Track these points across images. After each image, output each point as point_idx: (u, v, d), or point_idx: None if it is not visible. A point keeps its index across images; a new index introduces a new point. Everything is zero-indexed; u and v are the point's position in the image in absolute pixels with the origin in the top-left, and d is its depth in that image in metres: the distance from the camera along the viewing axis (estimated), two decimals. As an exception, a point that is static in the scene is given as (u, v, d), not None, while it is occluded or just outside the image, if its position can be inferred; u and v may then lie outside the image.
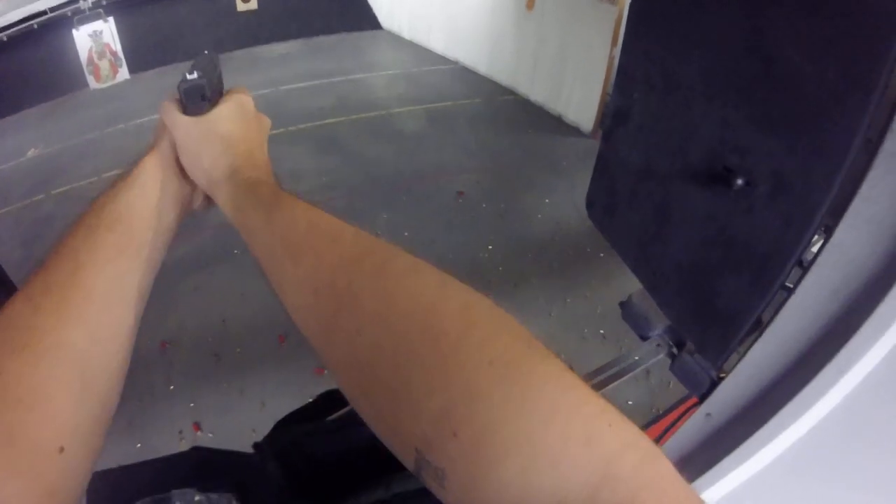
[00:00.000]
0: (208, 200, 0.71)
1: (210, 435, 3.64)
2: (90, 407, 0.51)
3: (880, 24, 0.74)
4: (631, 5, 1.36)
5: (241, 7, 14.04)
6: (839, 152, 0.78)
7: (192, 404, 3.89)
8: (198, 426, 3.72)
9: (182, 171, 0.67)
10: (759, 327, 1.05)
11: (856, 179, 0.79)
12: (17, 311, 0.49)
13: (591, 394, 0.36)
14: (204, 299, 4.95)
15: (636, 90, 1.34)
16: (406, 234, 5.78)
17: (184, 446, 3.72)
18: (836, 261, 0.82)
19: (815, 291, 0.87)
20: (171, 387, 4.08)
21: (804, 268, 0.91)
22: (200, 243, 5.87)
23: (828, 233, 0.86)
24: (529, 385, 0.35)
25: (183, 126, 0.65)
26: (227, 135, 0.66)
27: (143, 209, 0.61)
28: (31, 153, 9.72)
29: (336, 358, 0.46)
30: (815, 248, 0.93)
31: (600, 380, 1.86)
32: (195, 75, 0.65)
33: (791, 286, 0.95)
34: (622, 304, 1.87)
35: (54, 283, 0.52)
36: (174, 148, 0.66)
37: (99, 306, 0.54)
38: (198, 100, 0.66)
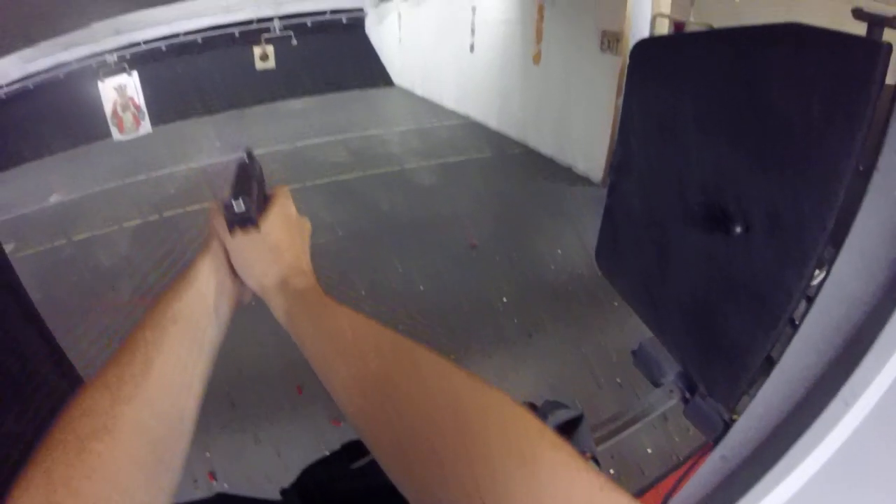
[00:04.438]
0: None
1: (225, 485, 3.60)
2: (161, 482, 0.57)
3: (860, 63, 0.79)
4: (628, 66, 1.42)
5: (259, 66, 14.56)
6: (831, 190, 0.82)
7: (207, 453, 3.85)
8: (212, 475, 3.69)
9: (234, 272, 0.73)
10: (770, 367, 1.07)
11: (852, 214, 0.82)
12: (96, 399, 0.56)
13: (594, 474, 0.43)
14: (221, 349, 4.89)
15: (636, 142, 1.40)
16: (421, 287, 5.81)
17: (198, 495, 3.68)
18: (836, 295, 0.85)
19: (819, 327, 0.89)
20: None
21: (810, 301, 0.94)
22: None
23: (828, 267, 0.88)
24: (542, 470, 0.43)
25: (234, 241, 0.72)
26: (275, 246, 0.73)
27: (202, 308, 0.69)
28: (53, 198, 9.99)
29: (380, 441, 0.54)
30: (817, 282, 0.96)
31: (615, 427, 1.86)
32: (241, 203, 0.69)
33: (797, 322, 0.97)
34: (634, 353, 1.88)
35: (129, 374, 0.59)
36: (226, 252, 0.73)
37: (168, 394, 0.61)
38: (246, 224, 0.71)
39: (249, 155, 0.80)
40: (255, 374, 4.55)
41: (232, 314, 0.75)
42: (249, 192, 0.71)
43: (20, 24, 5.22)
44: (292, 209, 0.79)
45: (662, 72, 1.24)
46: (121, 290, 6.42)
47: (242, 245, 0.71)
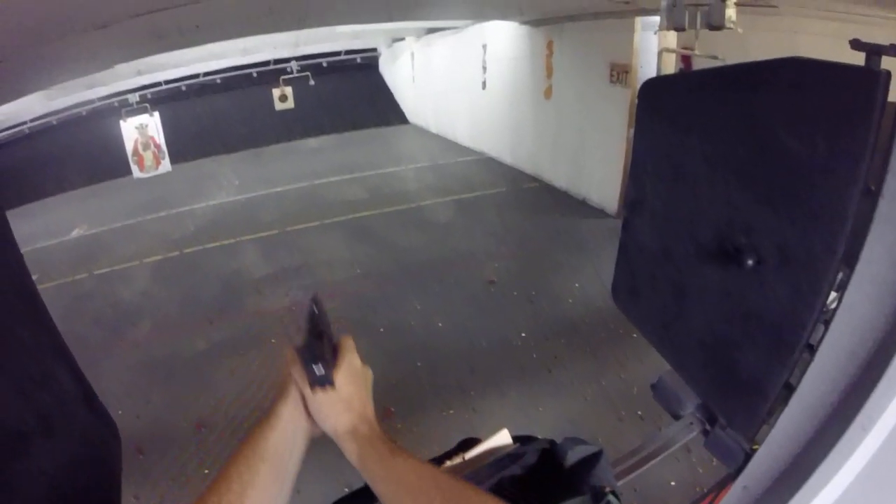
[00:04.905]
0: None
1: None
2: None
3: (860, 92, 0.82)
4: (637, 106, 1.47)
5: (279, 106, 14.91)
6: (838, 220, 0.84)
7: (226, 490, 3.83)
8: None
9: (309, 415, 0.86)
10: (789, 394, 1.07)
11: (865, 235, 0.84)
12: None
13: None
14: (240, 384, 4.98)
15: (648, 181, 1.43)
16: (440, 324, 5.82)
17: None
18: (849, 322, 0.86)
19: (835, 353, 0.90)
20: (206, 470, 4.05)
21: (827, 325, 0.95)
22: (237, 330, 5.99)
23: (843, 291, 0.90)
24: None
25: (313, 396, 0.85)
26: (347, 399, 0.85)
27: (285, 446, 0.83)
28: (75, 233, 10.31)
29: None
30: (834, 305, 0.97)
31: (636, 460, 1.84)
32: (321, 368, 0.82)
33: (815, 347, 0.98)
34: (653, 386, 1.88)
35: (227, 501, 0.74)
36: (303, 398, 0.86)
37: None
38: (325, 384, 0.84)
39: (317, 303, 0.92)
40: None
41: (307, 448, 0.88)
42: (324, 354, 0.85)
43: (45, 64, 5.42)
44: (358, 362, 0.90)
45: (670, 110, 1.28)
46: (141, 325, 6.51)
47: (320, 400, 0.84)
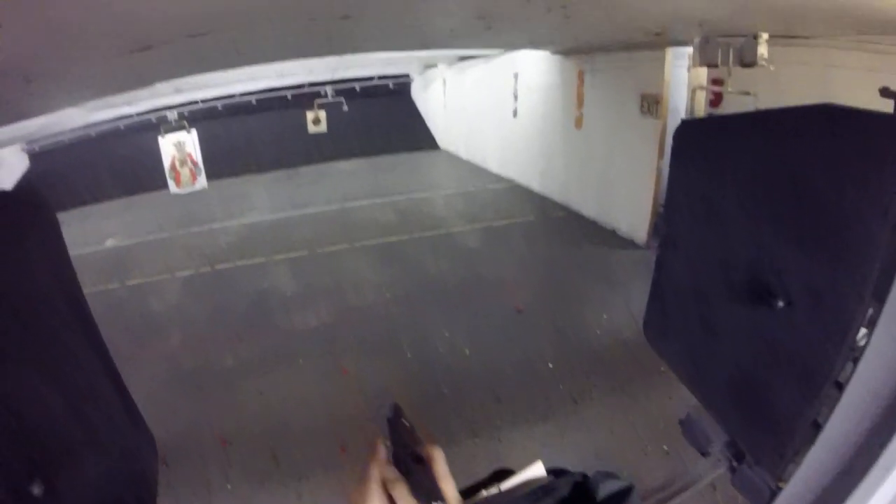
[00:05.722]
0: None
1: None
2: None
3: (889, 140, 0.85)
4: (672, 146, 1.50)
5: (312, 129, 15.15)
6: (866, 262, 0.86)
7: (247, 506, 3.89)
8: (251, 527, 3.69)
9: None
10: (816, 433, 1.08)
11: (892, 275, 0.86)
12: None
13: None
14: (267, 402, 5.04)
15: (682, 219, 1.46)
16: (467, 351, 5.83)
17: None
18: (876, 361, 0.88)
19: (861, 393, 0.91)
20: (229, 485, 4.11)
21: (856, 363, 0.97)
22: (266, 349, 6.05)
23: (871, 330, 0.91)
24: None
25: None
26: None
27: None
28: (109, 243, 10.56)
29: None
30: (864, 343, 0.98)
31: (663, 496, 1.85)
32: None
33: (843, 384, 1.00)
34: (681, 422, 1.89)
35: None
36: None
37: None
38: None
39: (399, 413, 0.91)
40: (299, 430, 4.59)
41: None
42: (430, 488, 0.81)
43: (87, 83, 5.57)
44: (453, 487, 0.87)
45: (705, 152, 1.31)
46: (170, 338, 6.64)
47: None
